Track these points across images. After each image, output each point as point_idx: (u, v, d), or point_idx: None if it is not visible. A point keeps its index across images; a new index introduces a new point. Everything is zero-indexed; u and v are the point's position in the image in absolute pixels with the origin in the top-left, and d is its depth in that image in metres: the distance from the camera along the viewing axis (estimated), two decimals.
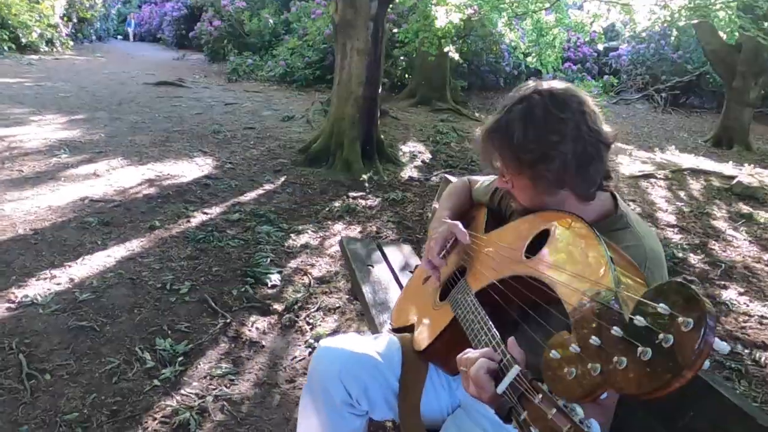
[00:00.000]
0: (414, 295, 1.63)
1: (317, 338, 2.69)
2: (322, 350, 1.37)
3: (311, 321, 2.88)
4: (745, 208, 5.45)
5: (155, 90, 9.50)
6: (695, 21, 8.10)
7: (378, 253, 2.57)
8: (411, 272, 2.45)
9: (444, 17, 8.08)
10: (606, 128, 1.19)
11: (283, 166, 5.60)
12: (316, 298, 3.11)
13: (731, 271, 4.01)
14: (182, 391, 2.26)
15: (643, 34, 11.70)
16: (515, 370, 0.91)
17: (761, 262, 4.21)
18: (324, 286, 3.26)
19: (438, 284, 1.46)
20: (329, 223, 4.25)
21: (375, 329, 1.89)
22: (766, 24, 7.75)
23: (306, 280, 3.31)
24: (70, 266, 3.17)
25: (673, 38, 11.98)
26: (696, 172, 6.74)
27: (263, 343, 2.67)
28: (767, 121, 11.50)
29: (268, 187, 4.96)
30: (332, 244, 3.85)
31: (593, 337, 0.79)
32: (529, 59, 12.14)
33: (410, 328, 1.49)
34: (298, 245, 3.79)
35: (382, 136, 6.04)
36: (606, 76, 13.21)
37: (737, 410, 1.10)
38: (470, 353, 1.03)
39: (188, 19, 18.24)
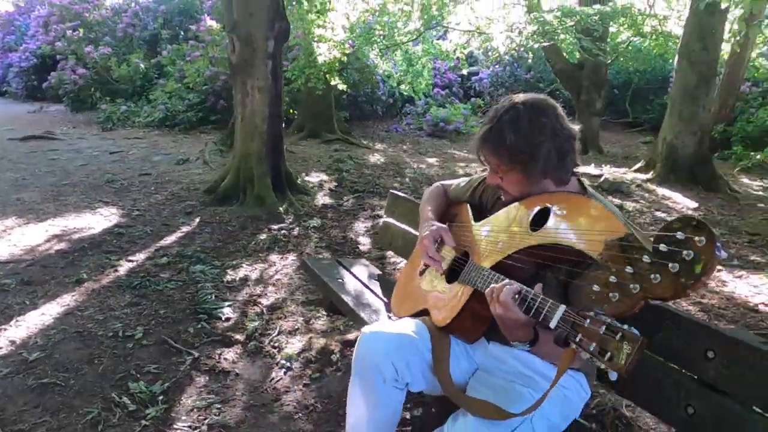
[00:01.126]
0: (413, 288, 1.87)
1: (289, 359, 2.81)
2: (369, 335, 1.56)
3: (276, 345, 2.97)
4: (615, 201, 6.32)
5: (24, 145, 8.83)
6: (546, 44, 9.21)
7: (340, 268, 2.76)
8: (377, 280, 2.68)
9: (327, 53, 8.48)
10: (572, 126, 1.55)
11: (194, 207, 5.55)
12: (273, 324, 3.21)
13: None
14: (175, 426, 2.27)
15: (506, 57, 12.97)
16: (562, 308, 1.19)
17: None
18: (277, 312, 3.36)
19: (441, 272, 1.72)
20: (261, 255, 4.33)
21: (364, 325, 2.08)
22: (602, 44, 9.04)
23: (258, 309, 3.39)
24: (5, 329, 2.98)
25: (529, 60, 13.38)
26: None
27: (237, 371, 2.73)
28: (611, 127, 13.18)
29: (185, 229, 4.91)
30: (272, 274, 3.95)
31: (627, 267, 1.10)
32: (402, 87, 12.94)
33: (421, 313, 1.73)
34: (238, 279, 3.84)
35: (290, 169, 6.19)
36: (472, 99, 14.42)
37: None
38: (498, 285, 1.33)
39: (39, 69, 16.98)
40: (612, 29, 10.05)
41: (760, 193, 7.40)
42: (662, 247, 1.05)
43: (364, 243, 4.71)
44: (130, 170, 7.13)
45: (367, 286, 2.52)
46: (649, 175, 7.36)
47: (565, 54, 10.90)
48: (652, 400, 1.57)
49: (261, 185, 5.61)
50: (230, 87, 9.90)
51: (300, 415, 2.40)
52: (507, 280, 1.36)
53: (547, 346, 1.38)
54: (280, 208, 5.43)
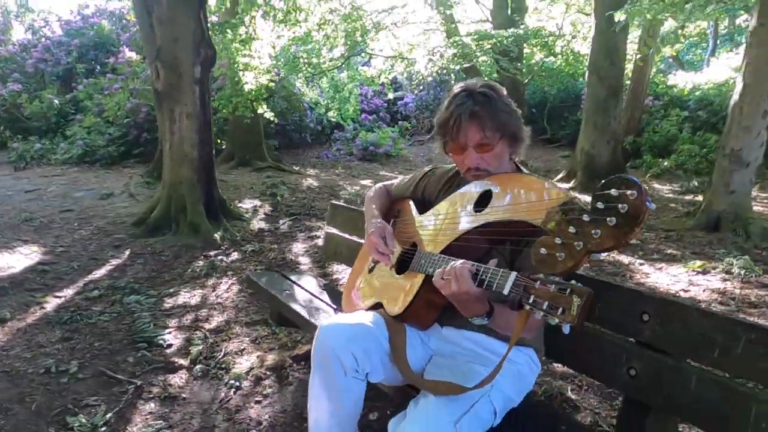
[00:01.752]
0: (364, 285, 1.91)
1: (237, 378, 2.75)
2: (327, 327, 1.57)
3: (224, 366, 2.90)
4: None
5: None
6: (466, 65, 9.63)
7: (286, 281, 2.74)
8: (325, 290, 2.68)
9: (253, 81, 8.46)
10: None
11: (122, 240, 5.34)
12: (218, 346, 3.12)
13: None
14: None
15: (430, 80, 13.37)
16: (513, 274, 1.26)
17: None
18: (221, 335, 3.28)
19: (390, 266, 1.77)
20: (199, 281, 4.22)
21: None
22: (518, 64, 9.55)
23: (201, 333, 3.29)
24: None
25: (452, 82, 13.84)
26: None
27: (184, 395, 2.63)
28: (531, 144, 13.73)
29: (115, 262, 4.71)
30: (212, 299, 3.85)
31: (570, 227, 1.18)
32: (330, 114, 13.08)
33: (375, 307, 1.76)
34: (177, 306, 3.72)
35: (222, 195, 6.09)
36: (400, 122, 14.75)
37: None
38: (449, 265, 1.39)
39: None
40: (526, 50, 10.64)
41: (670, 195, 7.97)
42: (599, 204, 1.15)
43: (305, 263, 4.69)
44: (49, 207, 6.76)
45: (316, 296, 2.52)
46: (571, 184, 7.77)
47: (484, 75, 11.42)
48: (596, 368, 1.67)
49: (194, 213, 5.48)
50: (153, 119, 9.69)
51: (254, 431, 2.35)
52: (461, 260, 1.41)
53: (501, 318, 1.45)
54: (216, 235, 5.31)
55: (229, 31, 7.78)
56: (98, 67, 12.89)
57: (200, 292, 3.99)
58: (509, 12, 11.39)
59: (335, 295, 2.61)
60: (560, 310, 1.15)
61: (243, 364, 2.91)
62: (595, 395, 2.54)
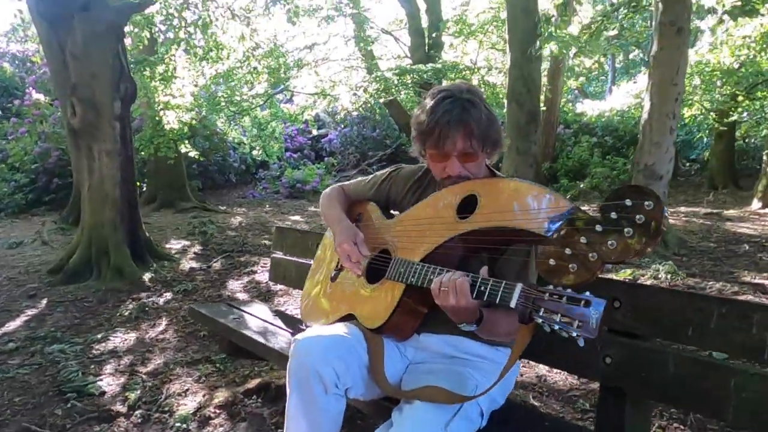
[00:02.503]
0: (329, 295, 1.81)
1: (184, 420, 2.53)
2: (304, 342, 1.46)
3: (167, 409, 2.67)
4: None
5: None
6: (389, 98, 9.82)
7: (234, 310, 2.59)
8: (277, 315, 2.56)
9: (174, 120, 8.22)
10: None
11: (37, 290, 4.90)
12: (158, 389, 2.88)
13: None
14: None
15: (354, 115, 13.50)
16: (519, 286, 1.22)
17: None
18: (161, 377, 3.04)
19: (360, 274, 1.69)
20: (130, 324, 3.92)
21: (279, 355, 1.97)
22: None
23: (138, 378, 3.03)
24: None
25: (377, 116, 14.06)
26: None
27: None
28: None
29: (31, 312, 4.30)
30: (147, 342, 3.58)
31: (581, 238, 1.17)
32: (254, 152, 12.88)
33: (345, 318, 1.68)
34: (108, 351, 3.42)
35: (148, 235, 5.77)
36: (325, 158, 14.76)
37: None
38: (445, 276, 1.33)
39: None
40: (444, 83, 11.02)
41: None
42: (612, 214, 1.13)
43: (244, 298, 4.49)
44: None
45: (269, 322, 2.39)
46: None
47: (406, 110, 11.71)
48: (571, 361, 1.66)
49: (118, 255, 5.14)
50: (65, 163, 9.15)
51: None
52: (456, 272, 1.36)
53: (489, 324, 1.41)
54: (143, 277, 5.00)
55: (147, 68, 7.54)
56: (0, 112, 12.08)
57: (133, 335, 3.70)
58: (426, 49, 11.81)
59: (289, 320, 2.49)
60: (576, 323, 1.11)
61: (189, 404, 2.70)
62: (557, 401, 2.55)
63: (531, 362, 2.77)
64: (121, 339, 3.64)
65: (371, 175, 1.94)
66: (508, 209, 1.38)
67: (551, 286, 1.19)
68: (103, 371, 3.13)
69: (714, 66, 9.24)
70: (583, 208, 1.24)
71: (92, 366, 3.21)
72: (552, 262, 1.19)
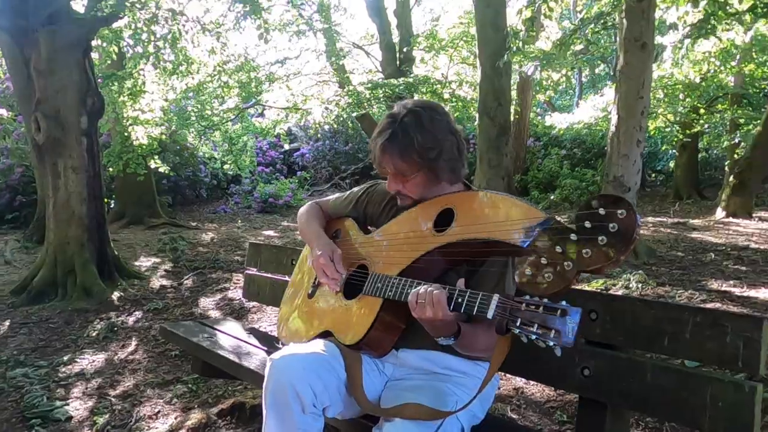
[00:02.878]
0: (306, 312, 1.79)
1: None
2: (281, 360, 1.42)
3: (140, 430, 2.59)
4: None
5: None
6: (362, 113, 9.84)
7: (206, 328, 2.53)
8: (251, 334, 2.51)
9: (143, 136, 8.08)
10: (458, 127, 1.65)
11: None
12: (128, 412, 2.80)
13: None
14: None
15: (326, 129, 13.47)
16: (496, 297, 1.22)
17: None
18: (130, 399, 2.95)
19: (337, 290, 1.67)
20: (98, 345, 3.80)
21: (253, 375, 1.93)
22: None
23: (105, 401, 2.93)
24: None
25: (349, 130, 14.06)
26: None
27: None
28: None
29: None
30: (116, 363, 3.48)
31: (556, 247, 1.17)
32: (226, 166, 12.74)
33: (323, 335, 1.65)
34: (75, 374, 3.31)
35: (117, 253, 5.63)
36: (298, 173, 14.68)
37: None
38: (422, 289, 1.32)
39: None
40: (416, 97, 11.12)
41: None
42: (587, 224, 1.14)
43: (215, 315, 4.40)
44: None
45: (243, 340, 2.34)
46: None
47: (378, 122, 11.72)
48: (549, 374, 1.66)
49: (85, 274, 5.00)
50: (30, 180, 8.89)
51: None
52: (433, 284, 1.34)
53: (467, 338, 1.40)
54: (112, 296, 4.87)
55: (115, 83, 7.41)
56: None
57: (101, 356, 3.59)
58: (398, 63, 11.90)
59: (263, 338, 2.44)
60: (553, 332, 1.11)
61: (160, 427, 2.62)
62: (535, 413, 2.55)
63: (507, 375, 2.77)
64: (89, 361, 3.53)
65: (348, 192, 1.93)
66: (483, 221, 1.39)
67: (528, 297, 1.19)
68: (70, 395, 3.02)
69: (676, 80, 9.53)
70: (557, 218, 1.25)
71: (58, 390, 3.10)
72: (528, 271, 1.19)
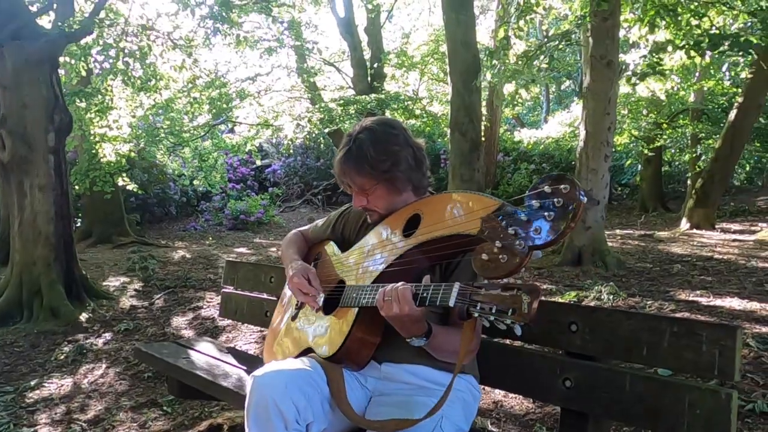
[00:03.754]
0: (289, 334, 1.79)
1: None
2: (263, 377, 1.41)
3: None
4: None
5: None
6: (334, 128, 9.87)
7: (182, 348, 2.49)
8: (228, 353, 2.47)
9: (111, 153, 7.95)
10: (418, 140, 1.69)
11: None
12: None
13: None
14: None
15: (298, 145, 13.44)
16: (456, 284, 1.25)
17: None
18: (102, 424, 2.86)
19: (316, 308, 1.68)
20: (66, 369, 3.69)
21: (232, 394, 1.90)
22: None
23: (75, 427, 2.84)
24: None
25: (321, 146, 14.06)
26: None
27: None
28: None
29: None
30: (86, 386, 3.38)
31: (509, 229, 1.21)
32: (196, 182, 12.59)
33: (305, 353, 1.65)
34: (42, 399, 3.20)
35: (84, 272, 5.49)
36: (269, 189, 14.59)
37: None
38: (388, 287, 1.35)
39: None
40: (388, 114, 11.21)
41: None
42: (534, 203, 1.18)
43: (189, 335, 4.32)
44: None
45: (220, 359, 2.31)
46: None
47: None
48: (531, 386, 1.68)
49: (52, 294, 4.86)
50: None
51: None
52: (401, 282, 1.38)
53: (439, 337, 1.43)
54: (80, 317, 4.74)
55: (82, 101, 7.27)
56: None
57: (69, 380, 3.48)
58: (369, 80, 12.01)
59: (240, 356, 2.41)
60: (510, 311, 1.14)
61: None
62: (515, 425, 2.57)
63: (487, 388, 2.79)
64: (57, 385, 3.42)
65: (327, 216, 1.97)
66: (446, 218, 1.44)
67: (486, 281, 1.22)
68: (38, 421, 2.92)
69: (639, 96, 9.84)
70: (507, 203, 1.29)
71: (25, 416, 2.99)
72: (485, 257, 1.23)
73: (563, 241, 6.22)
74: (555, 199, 1.15)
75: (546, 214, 1.16)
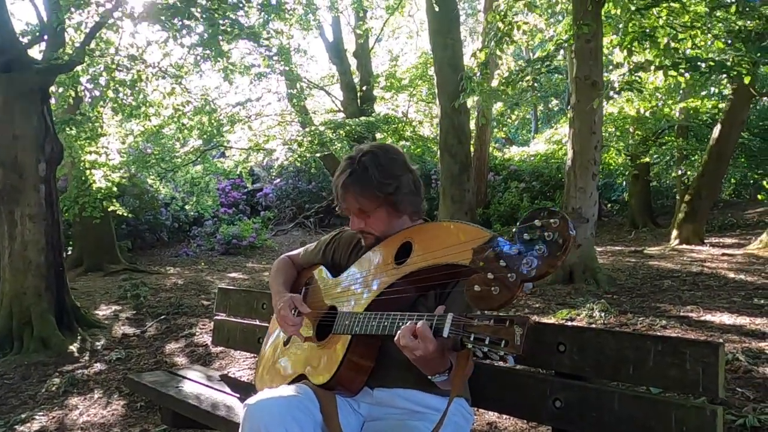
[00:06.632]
0: (282, 360, 1.80)
1: None
2: (255, 406, 1.42)
3: None
4: None
5: None
6: (325, 152, 9.94)
7: (174, 377, 2.48)
8: (221, 380, 2.47)
9: (101, 180, 7.95)
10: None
11: None
12: None
13: None
14: None
15: (289, 169, 13.47)
16: (450, 315, 1.28)
17: None
18: None
19: (303, 339, 1.71)
20: (57, 400, 3.66)
21: (226, 423, 1.90)
22: None
23: None
24: None
25: (312, 169, 14.10)
26: None
27: None
28: None
29: None
30: (76, 418, 3.35)
31: (500, 261, 1.24)
32: (188, 207, 12.59)
33: (297, 380, 1.66)
34: None
35: (75, 301, 5.46)
36: (261, 212, 14.59)
37: None
38: (406, 327, 1.35)
39: None
40: (379, 136, 11.31)
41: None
42: (525, 236, 1.22)
43: (183, 363, 4.30)
44: None
45: (214, 388, 2.31)
46: None
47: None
48: (521, 407, 1.70)
49: (43, 325, 4.82)
50: None
51: None
52: (411, 320, 1.37)
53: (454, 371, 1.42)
54: (72, 347, 4.70)
55: (72, 128, 7.29)
56: None
57: (60, 413, 3.45)
58: (359, 102, 12.13)
59: (234, 384, 2.41)
60: (503, 342, 1.17)
61: None
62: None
63: (480, 409, 2.79)
64: (49, 418, 3.38)
65: (317, 241, 2.00)
66: (437, 248, 1.46)
67: (478, 312, 1.25)
68: None
69: (625, 114, 9.99)
70: (503, 237, 1.32)
71: None
72: (477, 288, 1.25)
73: None
74: (546, 233, 1.18)
75: (537, 247, 1.19)
